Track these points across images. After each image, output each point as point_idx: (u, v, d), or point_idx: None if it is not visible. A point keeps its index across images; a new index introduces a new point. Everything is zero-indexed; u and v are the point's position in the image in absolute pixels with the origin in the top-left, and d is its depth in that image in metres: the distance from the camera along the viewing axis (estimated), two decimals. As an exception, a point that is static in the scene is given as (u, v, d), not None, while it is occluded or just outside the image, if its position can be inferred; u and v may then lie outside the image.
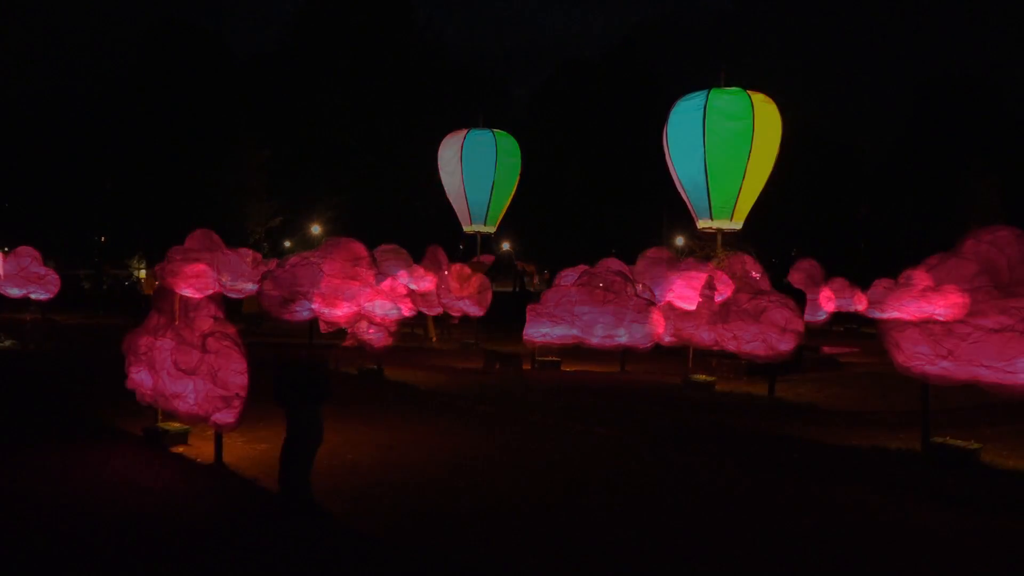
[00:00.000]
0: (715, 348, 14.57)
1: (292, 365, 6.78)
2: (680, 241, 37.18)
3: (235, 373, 7.63)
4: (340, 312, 13.75)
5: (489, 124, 25.27)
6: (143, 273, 43.20)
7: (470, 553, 5.97)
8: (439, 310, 19.57)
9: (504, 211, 25.52)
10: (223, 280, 14.94)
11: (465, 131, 24.86)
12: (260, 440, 9.15)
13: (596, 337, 15.18)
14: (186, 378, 8.24)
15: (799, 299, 14.43)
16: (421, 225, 38.49)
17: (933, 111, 47.25)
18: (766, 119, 18.21)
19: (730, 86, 18.72)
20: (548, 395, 13.26)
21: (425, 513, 6.85)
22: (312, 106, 42.15)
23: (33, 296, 19.90)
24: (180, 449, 8.85)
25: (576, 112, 44.98)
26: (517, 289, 40.70)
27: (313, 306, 13.80)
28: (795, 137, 23.25)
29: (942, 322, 8.65)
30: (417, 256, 18.98)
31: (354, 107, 42.54)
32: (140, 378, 9.09)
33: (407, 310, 14.30)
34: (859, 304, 16.60)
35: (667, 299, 15.22)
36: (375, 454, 8.85)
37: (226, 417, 7.74)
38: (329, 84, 42.27)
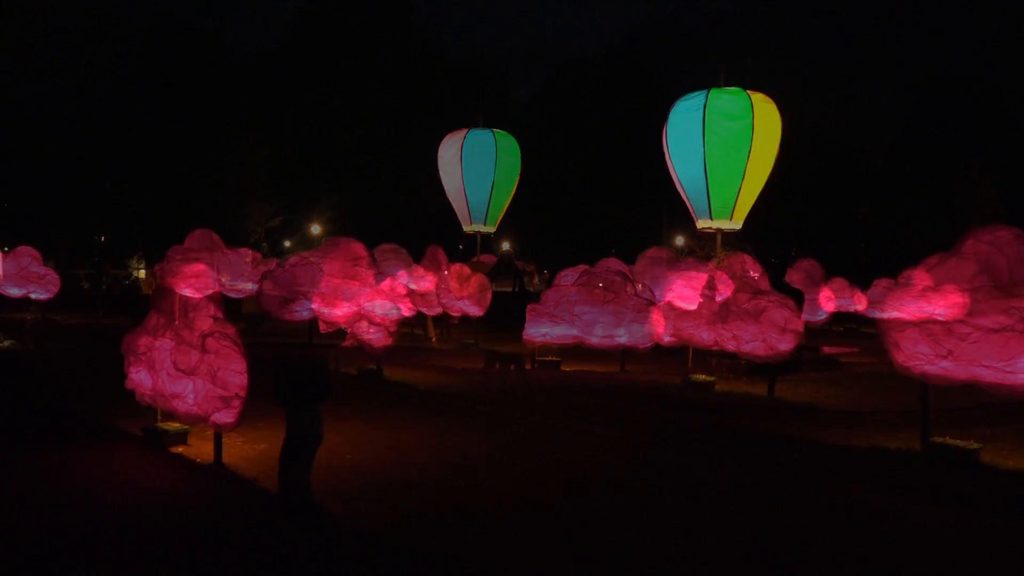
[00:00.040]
0: (715, 348, 14.57)
1: (292, 365, 6.78)
2: (680, 241, 37.18)
3: (234, 373, 7.63)
4: (340, 312, 13.75)
5: (489, 124, 25.26)
6: (143, 273, 43.19)
7: (470, 553, 5.97)
8: (439, 310, 19.57)
9: (504, 211, 25.52)
10: (223, 280, 14.95)
11: (465, 131, 24.86)
12: (260, 440, 9.16)
13: (596, 337, 15.18)
14: (185, 378, 8.23)
15: (796, 299, 14.43)
16: (421, 225, 38.46)
17: (933, 111, 47.25)
18: (766, 119, 18.20)
19: (730, 86, 18.71)
20: (548, 395, 13.27)
21: (425, 513, 6.85)
22: (312, 106, 42.12)
23: (33, 296, 19.90)
24: (179, 449, 8.85)
25: (576, 112, 44.97)
26: (517, 289, 40.71)
27: (313, 306, 13.80)
28: (795, 137, 23.24)
29: (942, 322, 8.65)
30: (417, 256, 18.97)
31: (354, 107, 42.52)
32: (139, 378, 9.08)
33: (407, 310, 14.30)
34: (859, 304, 16.56)
35: (667, 299, 15.22)
36: (375, 454, 8.85)
37: (225, 417, 7.73)
38: (329, 84, 42.25)
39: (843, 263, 32.84)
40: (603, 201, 43.81)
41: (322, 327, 14.13)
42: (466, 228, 25.57)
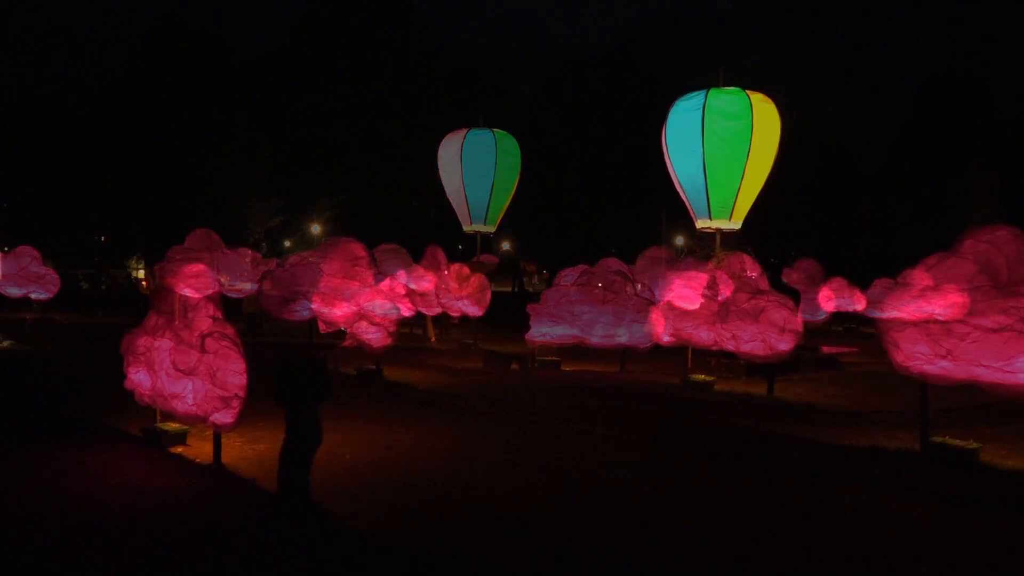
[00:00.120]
0: (714, 348, 14.57)
1: (292, 365, 6.78)
2: (680, 241, 37.18)
3: (234, 373, 7.63)
4: (339, 312, 13.75)
5: (489, 124, 25.25)
6: (141, 273, 43.21)
7: (470, 553, 5.97)
8: (438, 310, 19.56)
9: (504, 211, 25.50)
10: (223, 280, 14.96)
11: (465, 131, 24.83)
12: (259, 440, 9.16)
13: (596, 337, 15.16)
14: (185, 378, 8.23)
15: (793, 299, 14.44)
16: (421, 225, 38.49)
17: (933, 111, 47.23)
18: (765, 119, 18.18)
19: (729, 85, 18.70)
20: (548, 395, 13.26)
21: (425, 513, 6.85)
22: (312, 106, 42.13)
23: (33, 296, 19.92)
24: (179, 449, 8.85)
25: (576, 112, 44.96)
26: (517, 289, 40.71)
27: (313, 306, 13.80)
28: (795, 137, 23.23)
29: (941, 322, 8.65)
30: (417, 256, 18.97)
31: (354, 107, 42.53)
32: (139, 378, 9.08)
33: (406, 310, 14.29)
34: (858, 304, 16.55)
35: (667, 299, 15.22)
36: (375, 454, 8.85)
37: (225, 417, 7.73)
38: (329, 84, 42.26)
39: (843, 263, 32.84)
40: (603, 201, 43.82)
41: (322, 327, 14.13)
42: (466, 228, 25.56)
